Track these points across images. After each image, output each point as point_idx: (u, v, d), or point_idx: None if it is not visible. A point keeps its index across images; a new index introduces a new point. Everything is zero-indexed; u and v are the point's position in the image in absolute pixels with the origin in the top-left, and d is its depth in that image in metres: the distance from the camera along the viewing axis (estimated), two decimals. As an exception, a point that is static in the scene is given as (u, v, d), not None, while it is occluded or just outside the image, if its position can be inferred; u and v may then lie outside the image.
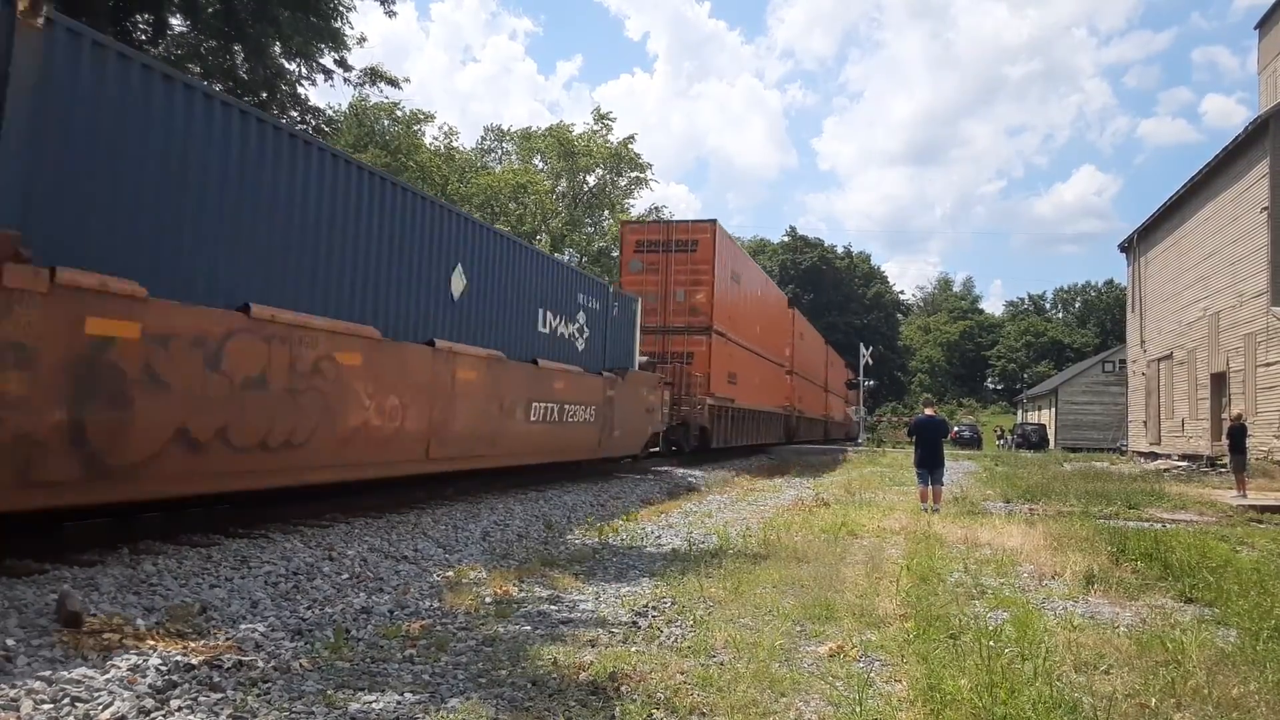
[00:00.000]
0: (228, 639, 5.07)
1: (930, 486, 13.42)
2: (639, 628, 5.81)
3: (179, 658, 4.56)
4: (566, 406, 14.15)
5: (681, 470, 20.20)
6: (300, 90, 24.28)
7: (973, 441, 53.53)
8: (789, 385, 34.77)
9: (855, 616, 6.13)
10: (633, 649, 5.25)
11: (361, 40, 33.70)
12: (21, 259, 5.61)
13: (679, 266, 22.21)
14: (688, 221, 23.20)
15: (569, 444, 14.57)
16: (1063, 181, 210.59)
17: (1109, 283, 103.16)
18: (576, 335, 15.12)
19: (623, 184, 53.89)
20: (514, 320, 12.73)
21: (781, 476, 21.85)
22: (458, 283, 11.09)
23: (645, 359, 19.68)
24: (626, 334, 17.96)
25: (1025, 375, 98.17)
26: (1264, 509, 14.89)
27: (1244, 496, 16.83)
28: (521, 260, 13.04)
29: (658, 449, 21.81)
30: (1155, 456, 31.34)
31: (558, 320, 14.33)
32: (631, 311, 18.32)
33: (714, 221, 22.70)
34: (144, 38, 19.52)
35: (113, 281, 6.24)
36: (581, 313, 15.34)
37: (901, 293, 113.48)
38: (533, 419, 12.91)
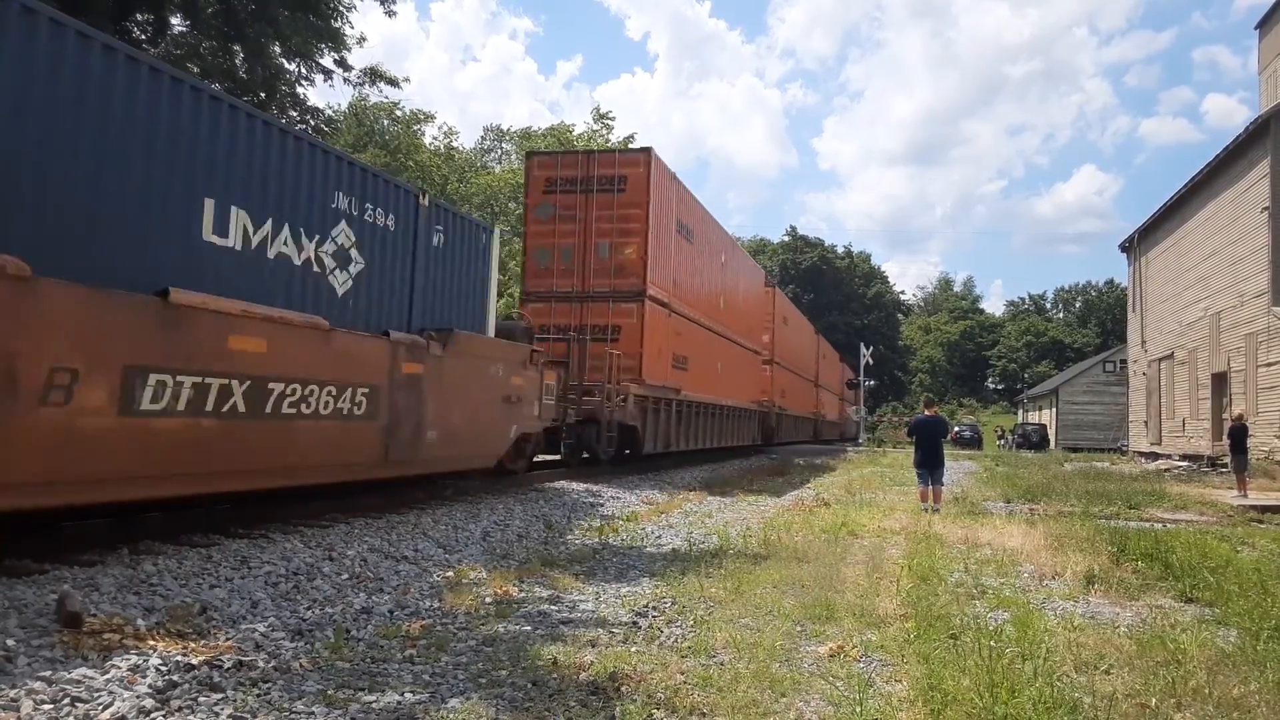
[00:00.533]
0: (228, 639, 5.07)
1: (930, 486, 13.42)
2: (639, 628, 5.81)
3: (179, 658, 4.56)
4: (278, 386, 7.92)
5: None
6: (300, 90, 24.32)
7: (973, 441, 53.56)
8: (767, 377, 30.37)
9: (856, 616, 6.12)
10: (633, 649, 5.25)
11: (361, 40, 33.80)
12: None
13: (602, 212, 17.11)
14: (613, 151, 17.97)
15: (295, 456, 8.38)
16: (1063, 181, 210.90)
17: (1109, 283, 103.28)
18: (330, 266, 9.08)
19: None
20: (74, 202, 6.38)
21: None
22: None
23: (521, 324, 14.45)
24: (467, 279, 11.89)
25: (1026, 375, 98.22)
26: (1265, 509, 14.89)
27: (1245, 496, 16.84)
28: (125, 90, 6.71)
29: (559, 457, 17.26)
30: (1156, 456, 31.33)
31: (267, 231, 8.18)
32: (480, 246, 12.25)
33: (648, 151, 17.41)
34: (144, 37, 19.53)
35: None
36: (344, 228, 9.24)
37: (902, 293, 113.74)
38: (149, 407, 6.67)
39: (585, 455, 17.05)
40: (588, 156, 17.95)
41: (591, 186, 17.22)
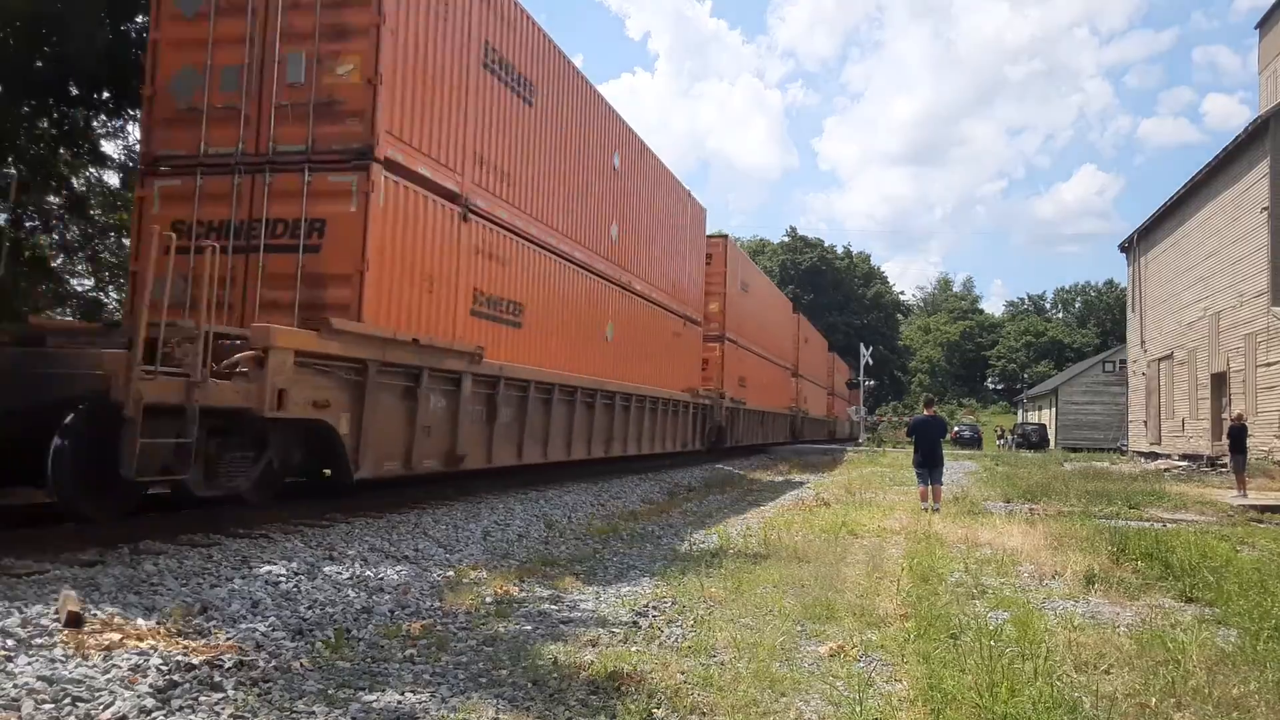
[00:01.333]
0: (228, 638, 5.07)
1: (930, 486, 13.43)
2: (639, 627, 5.81)
3: (180, 657, 4.56)
4: None
5: None
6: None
7: (973, 441, 53.53)
8: (714, 358, 22.89)
9: (856, 616, 6.13)
10: (633, 649, 5.26)
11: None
12: None
13: None
14: None
15: None
16: (1063, 181, 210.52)
17: (1109, 283, 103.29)
18: None
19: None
20: None
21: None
22: None
23: None
24: None
25: (1025, 375, 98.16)
26: (1264, 509, 14.90)
27: (1244, 496, 16.85)
28: None
29: (173, 489, 8.07)
30: (1156, 456, 31.35)
31: None
32: None
33: None
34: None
35: None
36: None
37: (902, 293, 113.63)
38: None
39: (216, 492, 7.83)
40: None
41: None
